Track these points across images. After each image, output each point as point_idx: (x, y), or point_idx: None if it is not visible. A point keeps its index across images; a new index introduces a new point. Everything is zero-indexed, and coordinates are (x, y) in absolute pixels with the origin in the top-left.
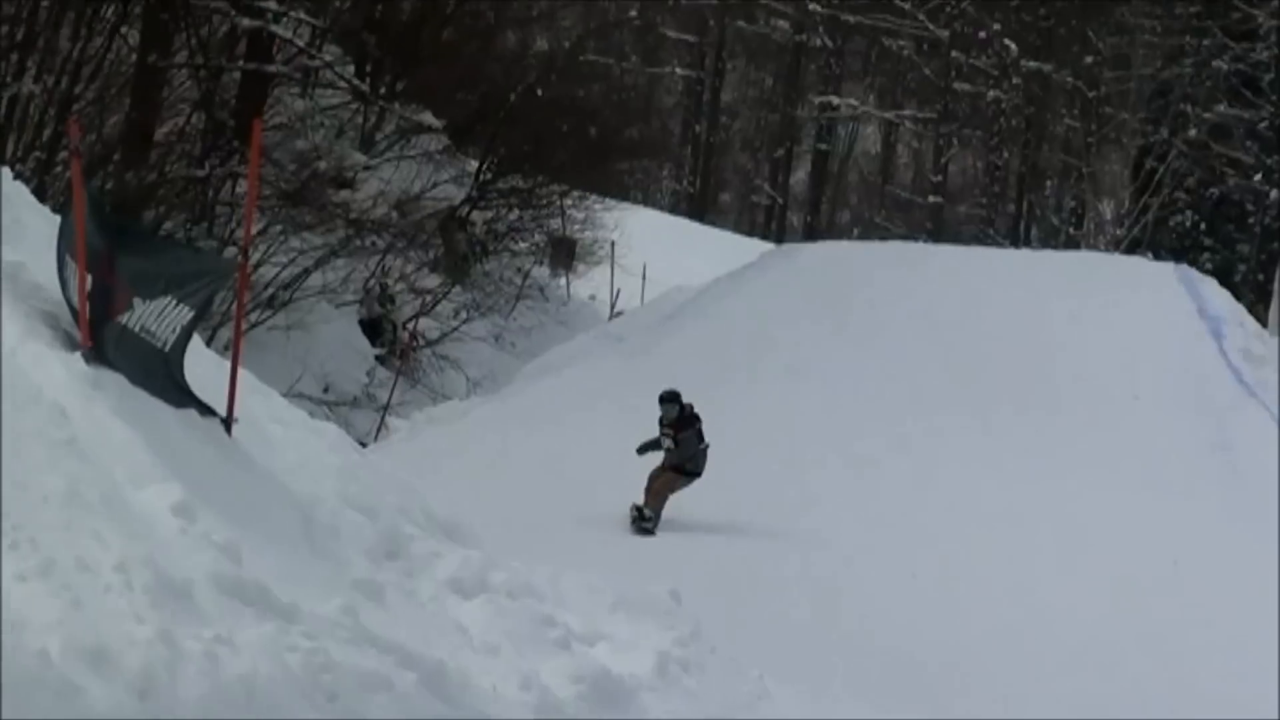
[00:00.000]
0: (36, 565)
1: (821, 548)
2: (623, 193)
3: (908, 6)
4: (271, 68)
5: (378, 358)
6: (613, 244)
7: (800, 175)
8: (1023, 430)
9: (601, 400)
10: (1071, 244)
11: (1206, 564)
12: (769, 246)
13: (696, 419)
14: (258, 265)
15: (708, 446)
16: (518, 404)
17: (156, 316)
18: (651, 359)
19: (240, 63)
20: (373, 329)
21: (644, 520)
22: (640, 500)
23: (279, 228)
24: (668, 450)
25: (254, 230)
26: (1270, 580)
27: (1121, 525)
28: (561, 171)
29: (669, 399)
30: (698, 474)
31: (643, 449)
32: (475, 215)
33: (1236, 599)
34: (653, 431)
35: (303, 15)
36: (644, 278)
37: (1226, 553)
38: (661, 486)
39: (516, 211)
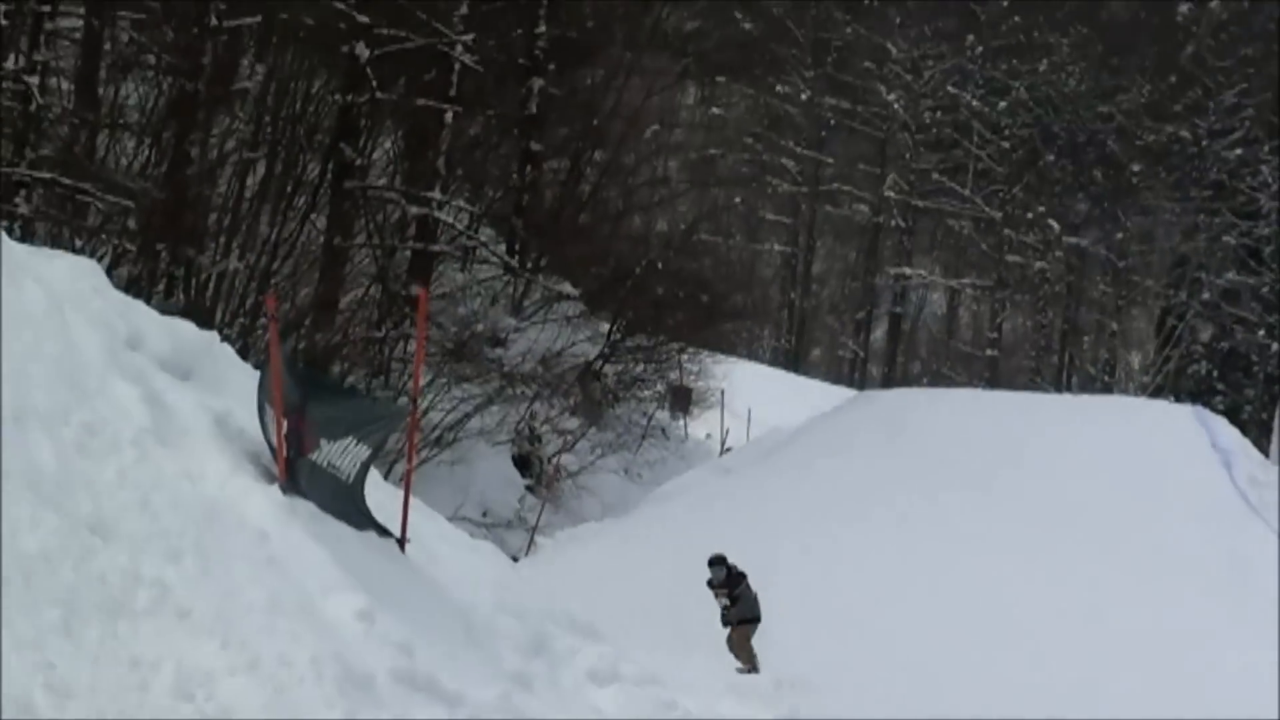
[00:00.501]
0: (245, 661)
1: (901, 646)
2: (730, 349)
3: (967, 193)
4: (436, 247)
5: (527, 487)
6: (722, 392)
7: (878, 333)
8: (1065, 545)
9: (711, 521)
10: (1105, 390)
11: (1215, 651)
12: (852, 393)
13: (743, 575)
14: (426, 411)
15: (756, 594)
16: (643, 526)
17: (341, 454)
18: (754, 488)
19: (410, 242)
20: (523, 463)
21: (750, 672)
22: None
23: (444, 380)
24: (725, 609)
25: (422, 382)
26: (1271, 664)
27: (1149, 620)
28: (679, 331)
29: (717, 562)
30: (759, 619)
31: (724, 622)
32: (607, 368)
33: (1240, 676)
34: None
35: (461, 203)
36: (749, 419)
37: (1232, 641)
38: (740, 643)
39: (641, 365)
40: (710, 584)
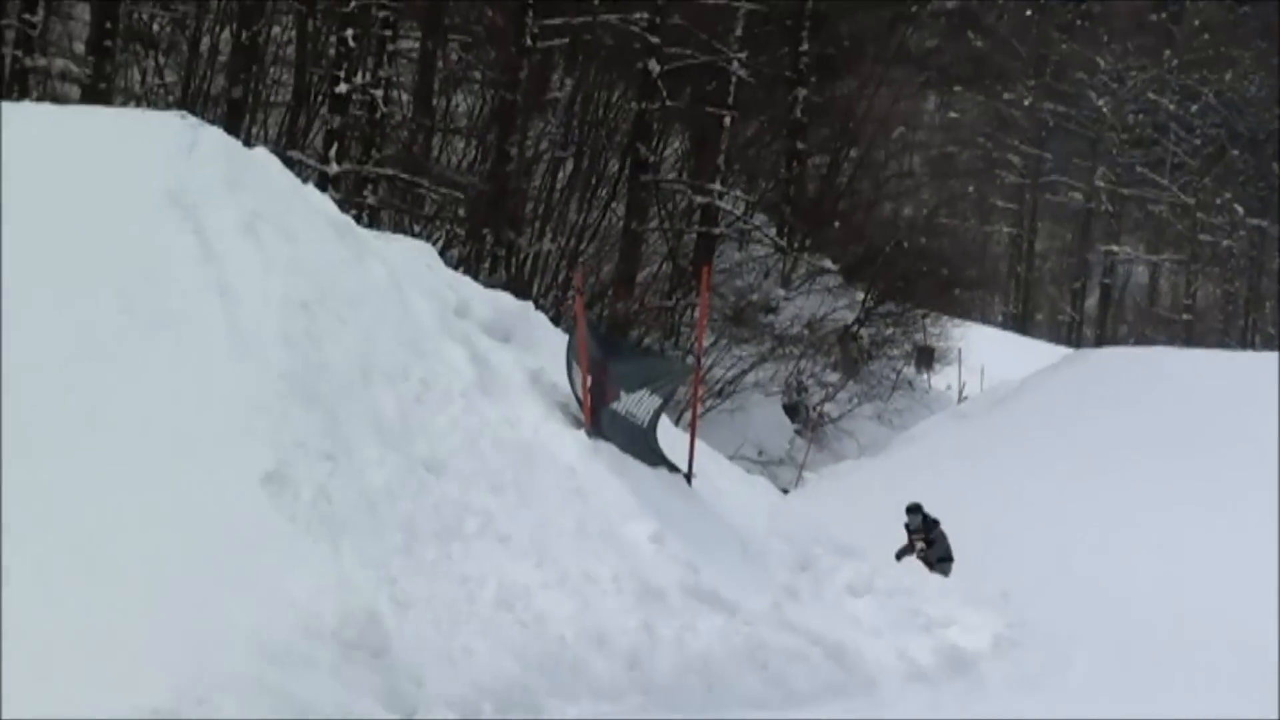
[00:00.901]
0: (556, 577)
1: (1110, 574)
2: (966, 314)
3: (1165, 182)
4: (717, 230)
5: (795, 431)
6: (959, 350)
7: (1091, 301)
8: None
9: (950, 459)
10: None
11: None
12: (1069, 351)
13: (936, 521)
14: (709, 368)
15: (948, 538)
16: (892, 462)
17: (636, 404)
18: (986, 431)
19: (695, 226)
20: (792, 411)
21: None
22: None
23: (724, 341)
24: (920, 552)
25: (706, 343)
26: None
27: None
28: (923, 299)
29: (914, 510)
30: (952, 559)
31: (899, 555)
32: (862, 331)
33: None
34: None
35: (738, 193)
36: (982, 374)
37: None
38: None
39: (891, 328)
40: (907, 528)
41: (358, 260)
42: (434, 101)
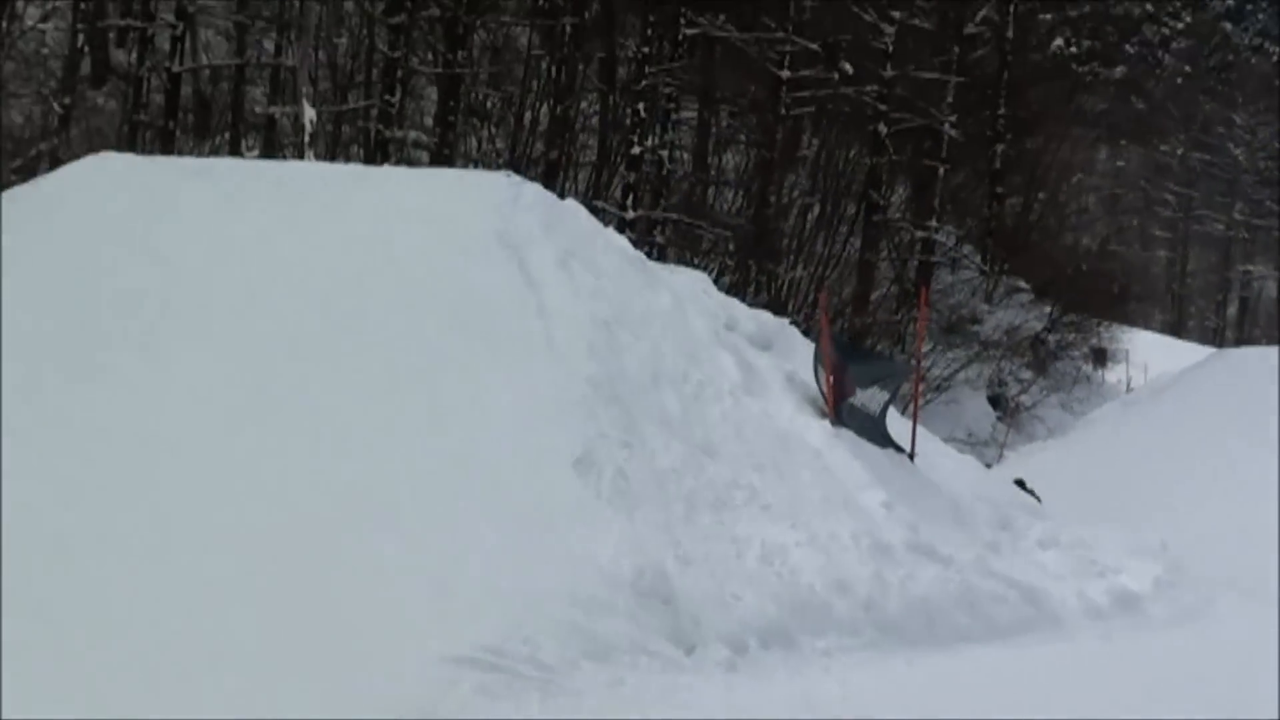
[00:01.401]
0: (807, 537)
1: (1253, 531)
2: (1132, 322)
3: None
4: (934, 258)
5: (998, 418)
6: (1127, 351)
7: (1232, 310)
8: None
9: (1120, 437)
10: None
11: None
12: (1214, 351)
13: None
14: (928, 369)
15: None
16: (1075, 442)
17: (870, 398)
18: (1149, 414)
19: (916, 256)
20: (994, 401)
21: None
22: None
23: (940, 347)
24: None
25: (924, 349)
26: None
27: None
28: (1097, 310)
29: (1016, 485)
30: None
31: None
32: (1049, 337)
33: None
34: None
35: (950, 229)
36: (1145, 370)
37: None
38: None
39: (1073, 334)
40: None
41: (648, 287)
42: (709, 159)
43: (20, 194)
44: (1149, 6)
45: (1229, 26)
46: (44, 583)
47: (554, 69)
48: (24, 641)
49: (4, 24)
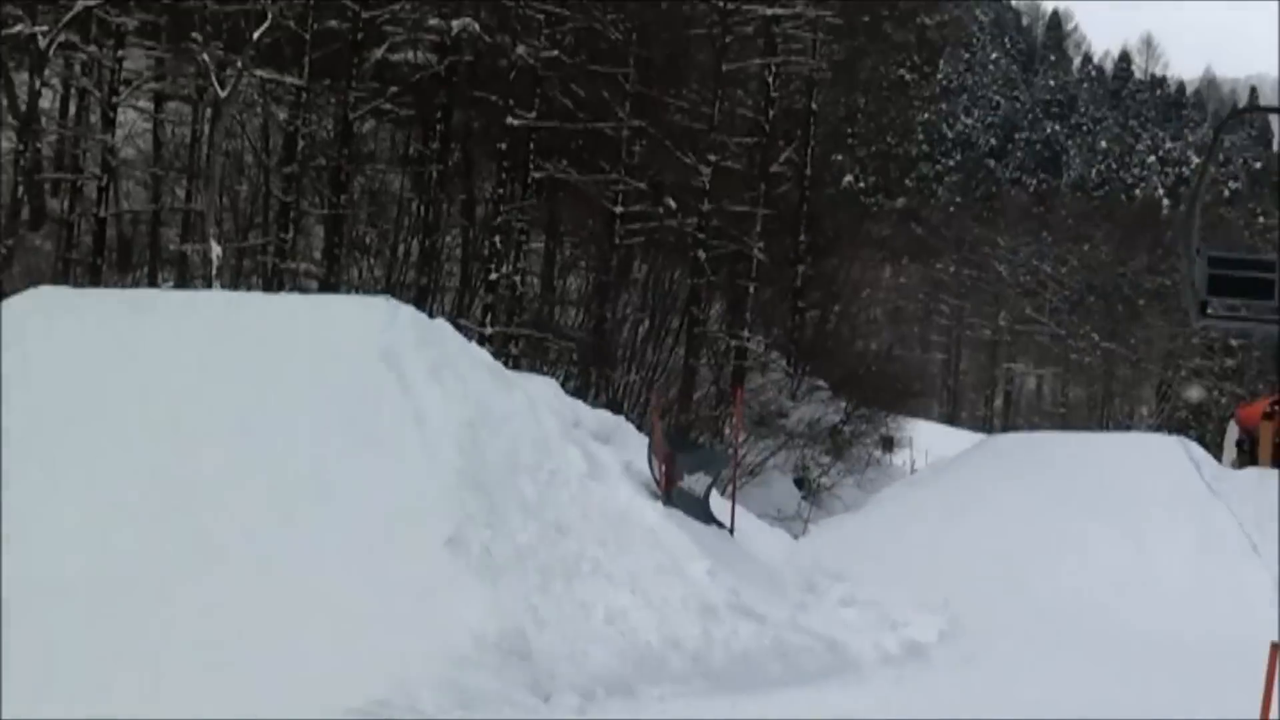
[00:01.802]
0: (643, 601)
1: (1023, 586)
2: (914, 414)
3: (1045, 321)
4: (746, 363)
5: (802, 497)
6: (910, 438)
7: (998, 402)
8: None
9: (906, 510)
10: (1127, 429)
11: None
12: (984, 436)
13: None
14: (743, 456)
15: None
16: (867, 515)
17: (695, 482)
18: (931, 490)
19: (732, 361)
20: (799, 483)
21: None
22: None
23: (753, 438)
24: None
25: (740, 439)
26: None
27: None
28: (885, 404)
29: None
30: None
31: None
32: (845, 427)
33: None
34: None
35: (760, 337)
36: (926, 453)
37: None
38: None
39: (865, 424)
40: None
41: (506, 391)
42: (554, 282)
43: None
44: (925, 147)
45: (992, 163)
46: None
47: (423, 209)
48: None
49: None
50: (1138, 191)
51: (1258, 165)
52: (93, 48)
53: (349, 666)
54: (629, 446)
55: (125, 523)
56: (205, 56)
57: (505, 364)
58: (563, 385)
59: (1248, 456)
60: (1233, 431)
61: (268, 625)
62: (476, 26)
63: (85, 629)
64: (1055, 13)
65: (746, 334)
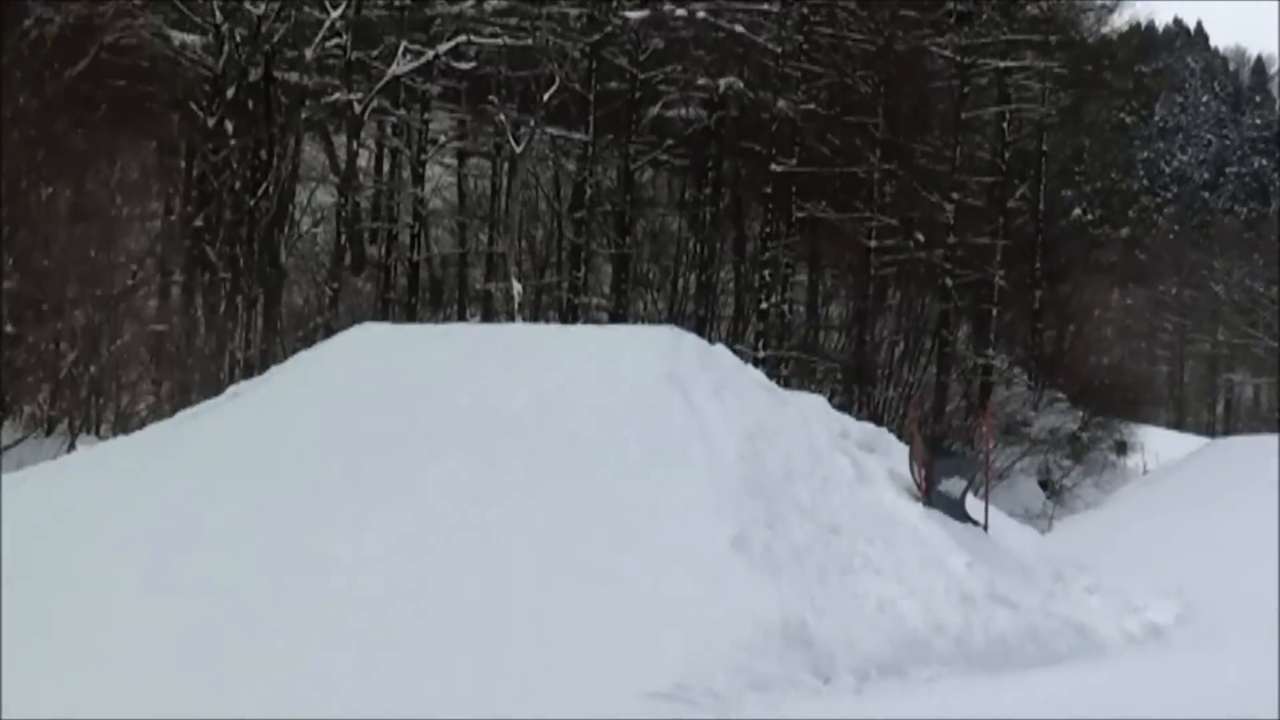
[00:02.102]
0: (909, 591)
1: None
2: (1145, 420)
3: (1259, 335)
4: (991, 379)
5: (1047, 497)
6: (1142, 443)
7: (1220, 409)
8: None
9: (1142, 510)
10: None
11: None
12: (1209, 440)
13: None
14: (994, 462)
15: None
16: (1106, 512)
17: (952, 485)
18: (1163, 489)
19: (979, 377)
20: (1043, 485)
21: None
22: None
23: (1001, 445)
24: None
25: (991, 445)
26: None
27: None
28: (1119, 412)
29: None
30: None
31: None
32: (1082, 434)
33: None
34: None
35: (1003, 354)
36: (1156, 456)
37: None
38: None
39: (1100, 431)
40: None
41: (780, 408)
42: (818, 310)
43: (306, 355)
44: (1145, 182)
45: (1206, 195)
46: None
47: (699, 246)
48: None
49: (286, 229)
50: None
51: None
52: (402, 111)
53: (652, 653)
54: (891, 455)
55: (442, 529)
56: (502, 117)
57: (777, 383)
58: (829, 401)
59: None
60: None
61: (582, 618)
62: (741, 84)
63: (418, 628)
64: (1259, 58)
65: (991, 352)
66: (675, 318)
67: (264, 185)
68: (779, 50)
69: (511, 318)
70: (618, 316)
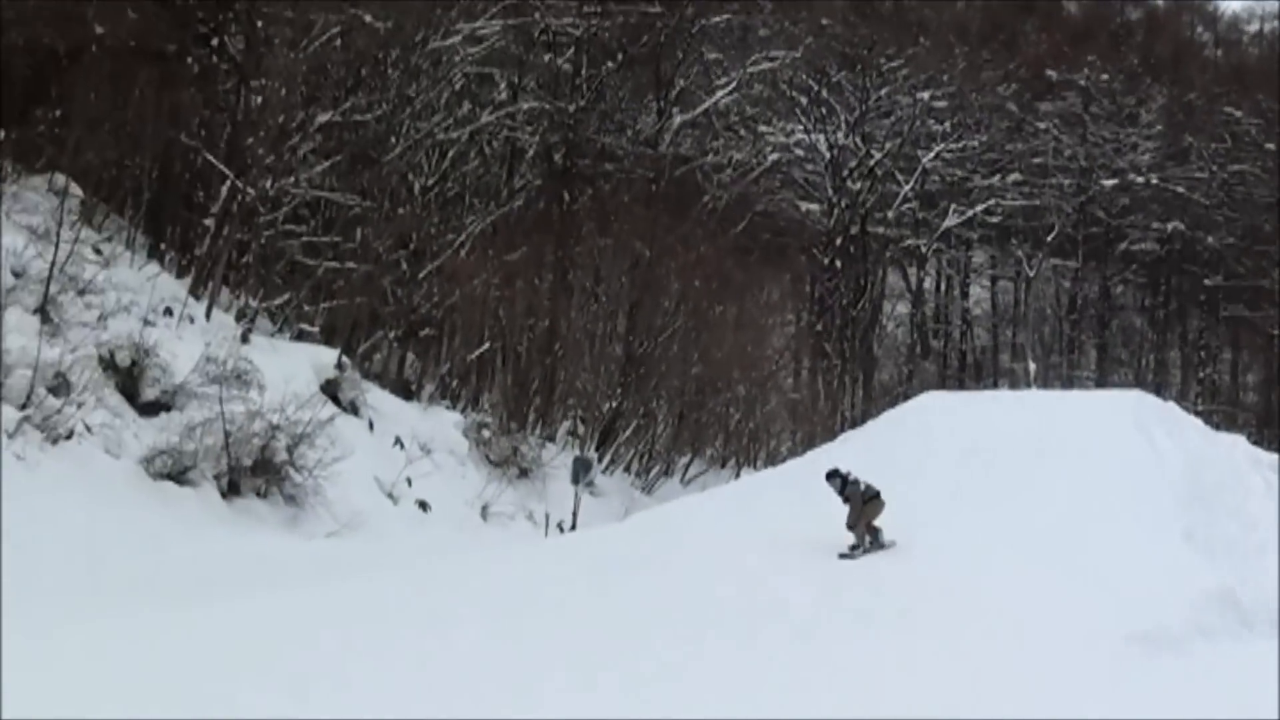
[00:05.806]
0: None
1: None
2: None
3: None
4: None
5: None
6: None
7: None
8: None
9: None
10: None
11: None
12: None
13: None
14: None
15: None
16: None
17: None
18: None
19: None
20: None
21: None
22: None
23: None
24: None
25: None
26: None
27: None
28: None
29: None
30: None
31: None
32: None
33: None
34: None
35: None
36: None
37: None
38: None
39: None
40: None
41: (1212, 443)
42: (1237, 378)
43: (892, 413)
44: None
45: None
46: None
47: (1156, 336)
48: None
49: (877, 330)
50: None
51: None
52: (953, 251)
53: (1130, 609)
54: None
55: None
56: (1020, 252)
57: (1211, 429)
58: (1247, 439)
59: None
60: None
61: (1078, 581)
62: (1182, 226)
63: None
64: None
65: None
66: (1139, 385)
67: (861, 302)
68: (1207, 203)
69: (1028, 386)
70: (1100, 385)
